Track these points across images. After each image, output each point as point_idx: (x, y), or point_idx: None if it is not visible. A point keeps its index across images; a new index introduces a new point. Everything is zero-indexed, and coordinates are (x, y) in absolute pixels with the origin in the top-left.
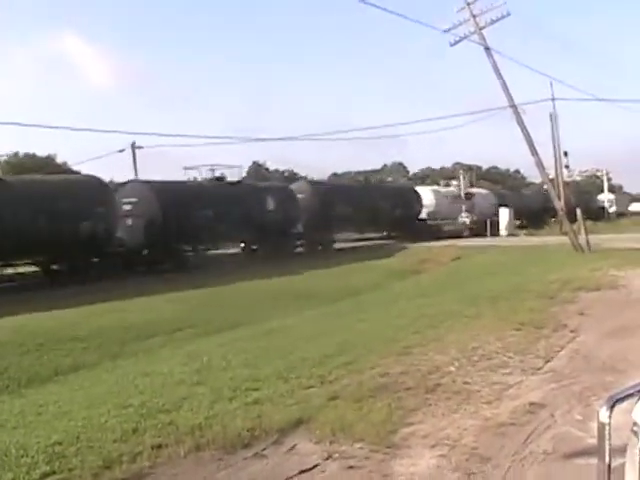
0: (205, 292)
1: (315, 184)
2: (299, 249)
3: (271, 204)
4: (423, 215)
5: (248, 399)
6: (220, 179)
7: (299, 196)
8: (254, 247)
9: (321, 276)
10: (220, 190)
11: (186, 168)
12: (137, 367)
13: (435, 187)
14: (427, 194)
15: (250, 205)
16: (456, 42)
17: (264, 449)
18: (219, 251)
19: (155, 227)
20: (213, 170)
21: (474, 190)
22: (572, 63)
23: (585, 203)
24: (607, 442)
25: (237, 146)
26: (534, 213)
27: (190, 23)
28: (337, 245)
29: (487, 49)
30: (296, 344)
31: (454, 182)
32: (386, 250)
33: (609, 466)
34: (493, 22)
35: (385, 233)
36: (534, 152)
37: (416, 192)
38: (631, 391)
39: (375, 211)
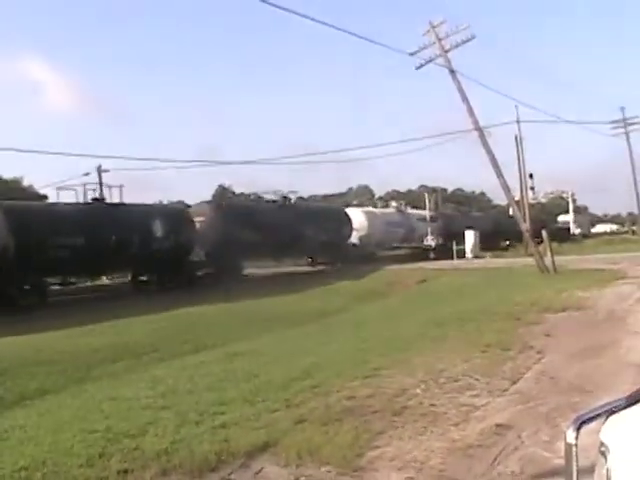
0: None
1: (219, 205)
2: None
3: (159, 229)
4: (354, 239)
5: (214, 423)
6: (97, 200)
7: (197, 219)
8: (143, 278)
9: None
10: (94, 213)
11: (59, 189)
12: (103, 391)
13: (369, 209)
14: (358, 216)
15: (132, 230)
16: (421, 65)
17: (231, 473)
18: (97, 282)
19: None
20: (94, 190)
21: (413, 211)
22: (537, 86)
23: (547, 225)
24: (574, 463)
25: (203, 169)
26: (485, 236)
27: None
28: (255, 273)
29: (452, 72)
30: (261, 367)
31: (393, 203)
32: (303, 282)
33: None
34: (458, 45)
35: (310, 260)
36: (499, 174)
37: (346, 214)
38: (598, 412)
39: (295, 235)
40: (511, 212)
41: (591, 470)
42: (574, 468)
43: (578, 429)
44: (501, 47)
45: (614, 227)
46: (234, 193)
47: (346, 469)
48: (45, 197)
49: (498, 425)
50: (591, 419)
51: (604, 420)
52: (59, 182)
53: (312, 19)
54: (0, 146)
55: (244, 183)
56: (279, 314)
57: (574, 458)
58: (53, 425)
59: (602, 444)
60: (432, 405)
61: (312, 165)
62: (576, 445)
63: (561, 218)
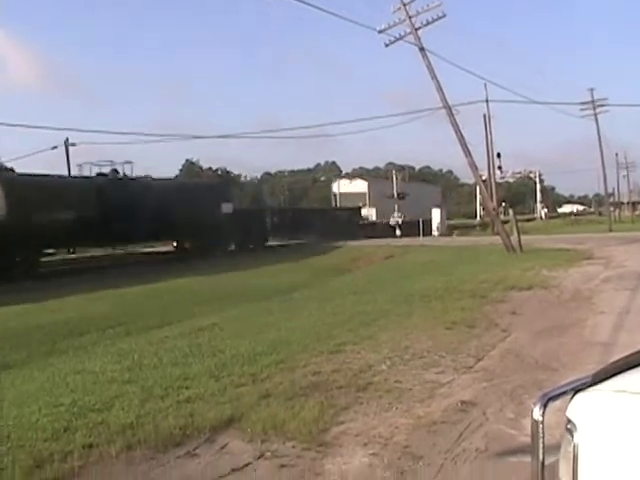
0: None
1: (9, 179)
2: None
3: None
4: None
5: (180, 397)
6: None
7: None
8: None
9: None
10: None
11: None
12: (68, 365)
13: None
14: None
15: None
16: (391, 42)
17: (196, 448)
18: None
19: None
20: None
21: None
22: (506, 66)
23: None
24: (540, 440)
25: (171, 144)
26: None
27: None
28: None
29: (422, 49)
30: (226, 342)
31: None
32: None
33: (542, 464)
34: (429, 23)
35: (175, 245)
36: (467, 153)
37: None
38: (564, 389)
39: (126, 217)
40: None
41: (557, 447)
42: (540, 445)
43: (544, 406)
44: (473, 30)
45: (580, 208)
46: (201, 168)
47: (311, 444)
48: (12, 170)
49: (463, 402)
50: (557, 396)
51: (570, 397)
52: (25, 156)
53: None
54: None
55: (211, 158)
56: (243, 290)
57: (540, 435)
58: (18, 398)
59: (569, 421)
60: (397, 381)
61: (280, 141)
62: (542, 422)
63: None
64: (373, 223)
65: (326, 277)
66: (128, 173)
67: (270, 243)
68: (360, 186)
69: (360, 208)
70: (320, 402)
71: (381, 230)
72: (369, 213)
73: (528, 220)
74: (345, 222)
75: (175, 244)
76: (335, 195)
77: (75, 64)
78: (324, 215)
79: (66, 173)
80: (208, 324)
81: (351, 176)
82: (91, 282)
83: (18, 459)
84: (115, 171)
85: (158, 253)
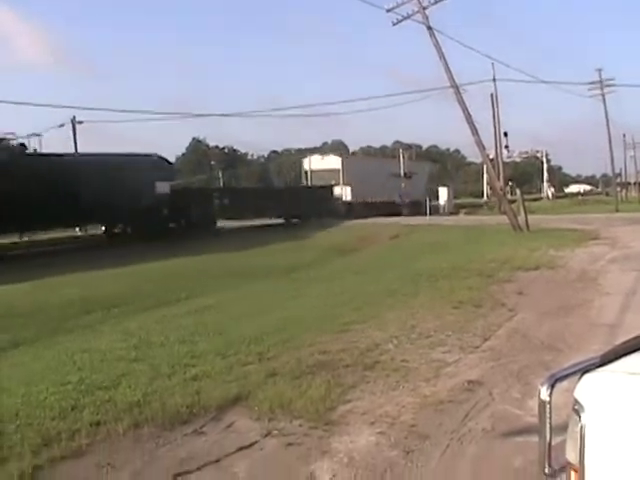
0: None
1: None
2: None
3: None
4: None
5: (186, 375)
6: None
7: None
8: None
9: None
10: None
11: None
12: (76, 343)
13: None
14: None
15: None
16: (398, 21)
17: (203, 426)
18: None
19: None
20: None
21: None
22: (514, 46)
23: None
24: (548, 420)
25: (177, 122)
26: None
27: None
28: None
29: (429, 28)
30: (233, 321)
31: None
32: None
33: (550, 444)
34: (437, 1)
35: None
36: (474, 132)
37: (162, 163)
38: (572, 370)
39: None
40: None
41: (564, 427)
42: (547, 425)
43: (552, 386)
44: (481, 10)
45: (587, 188)
46: (208, 147)
47: (318, 423)
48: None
49: (469, 381)
50: (565, 377)
51: (578, 378)
52: (32, 134)
53: None
54: None
55: (218, 137)
56: (249, 268)
57: (547, 415)
58: (26, 377)
59: (576, 402)
60: (404, 360)
61: (287, 120)
62: (550, 402)
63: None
64: (349, 203)
65: (332, 256)
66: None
67: (228, 226)
68: (333, 162)
69: (332, 187)
70: (327, 381)
71: (382, 209)
72: (343, 192)
73: (535, 200)
74: (314, 202)
75: (104, 229)
76: (306, 172)
77: (80, 41)
78: (289, 194)
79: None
80: (214, 303)
81: (323, 151)
82: None
83: (26, 437)
84: (22, 145)
85: (77, 238)
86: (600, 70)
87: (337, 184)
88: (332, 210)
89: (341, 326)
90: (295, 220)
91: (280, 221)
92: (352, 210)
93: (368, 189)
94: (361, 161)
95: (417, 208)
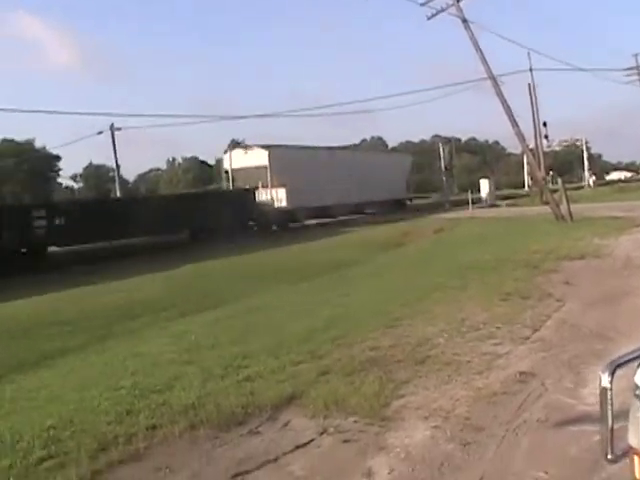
0: None
1: None
2: None
3: None
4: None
5: (239, 376)
6: None
7: None
8: None
9: None
10: None
11: None
12: (126, 348)
13: None
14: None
15: None
16: (433, 15)
17: (258, 426)
18: None
19: None
20: None
21: None
22: (549, 33)
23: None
24: (609, 406)
25: (214, 124)
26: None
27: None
28: None
29: (464, 21)
30: (282, 320)
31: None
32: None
33: (612, 430)
34: None
35: None
36: (514, 123)
37: None
38: (632, 356)
39: None
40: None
41: (625, 414)
42: (609, 411)
43: (612, 373)
44: None
45: (628, 174)
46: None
47: (373, 419)
48: (58, 158)
49: (521, 373)
50: (625, 363)
51: (638, 364)
52: (71, 142)
53: None
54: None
55: (257, 137)
56: (294, 266)
57: (609, 401)
58: (78, 383)
59: (637, 387)
60: (455, 354)
61: (324, 117)
62: (611, 389)
63: None
64: (286, 211)
65: (377, 252)
66: None
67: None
68: (259, 157)
69: (253, 191)
70: (379, 377)
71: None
72: (274, 196)
73: (576, 188)
74: (228, 212)
75: None
76: (227, 172)
77: (113, 48)
78: (189, 203)
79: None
80: (262, 303)
81: (245, 145)
82: None
83: (83, 443)
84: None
85: None
86: (637, 55)
87: (265, 185)
88: (258, 221)
89: (391, 321)
90: (184, 237)
91: (168, 239)
92: (290, 220)
93: (313, 190)
94: (298, 153)
95: (395, 207)
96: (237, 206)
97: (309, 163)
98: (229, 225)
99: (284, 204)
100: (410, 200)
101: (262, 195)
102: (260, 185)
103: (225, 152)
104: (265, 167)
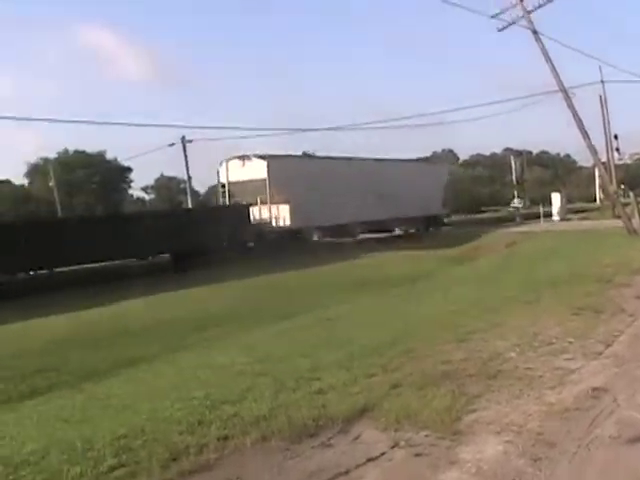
0: None
1: None
2: None
3: None
4: None
5: (311, 388)
6: None
7: None
8: None
9: None
10: None
11: None
12: (197, 359)
13: None
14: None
15: None
16: (504, 27)
17: (330, 438)
18: None
19: None
20: None
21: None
22: (619, 46)
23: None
24: None
25: (283, 137)
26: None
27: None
28: None
29: (535, 33)
30: (354, 332)
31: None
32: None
33: None
34: (541, 6)
35: None
36: (585, 136)
37: None
38: None
39: None
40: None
41: None
42: None
43: None
44: (583, 8)
45: None
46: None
47: (445, 433)
48: (129, 169)
49: (594, 388)
50: None
51: None
52: (142, 154)
53: None
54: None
55: (328, 149)
56: (366, 279)
57: None
58: (150, 393)
59: None
60: (527, 368)
61: (394, 130)
62: None
63: None
64: (297, 231)
65: (449, 265)
66: None
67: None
68: (258, 169)
69: (247, 208)
70: (451, 391)
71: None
72: (275, 214)
73: None
74: (213, 235)
75: None
76: (224, 186)
77: (184, 62)
78: (159, 224)
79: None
80: (334, 315)
81: (243, 155)
82: None
83: (154, 452)
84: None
85: None
86: None
87: (264, 202)
88: (257, 242)
89: (462, 335)
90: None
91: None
92: (295, 242)
93: (324, 206)
94: (304, 163)
95: (428, 224)
96: (226, 226)
97: (319, 175)
98: (216, 248)
99: (288, 223)
100: (448, 216)
101: (261, 213)
102: (259, 201)
103: (220, 164)
104: (264, 180)
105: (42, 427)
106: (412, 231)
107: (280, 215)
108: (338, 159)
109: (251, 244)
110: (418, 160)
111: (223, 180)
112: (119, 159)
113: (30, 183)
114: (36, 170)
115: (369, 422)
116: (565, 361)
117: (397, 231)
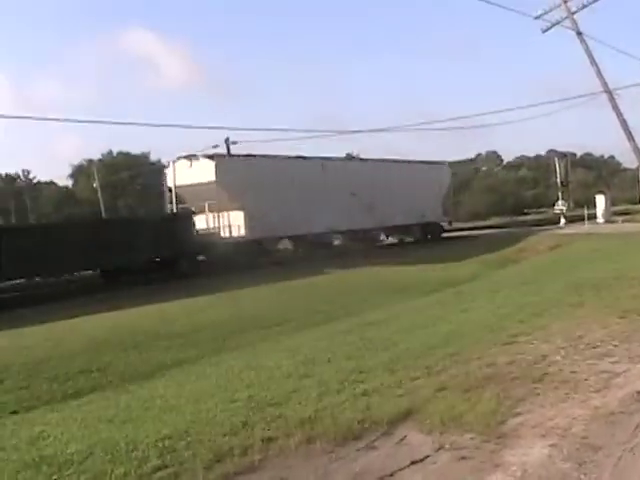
0: None
1: None
2: None
3: None
4: None
5: (356, 391)
6: None
7: None
8: None
9: None
10: None
11: None
12: (241, 361)
13: None
14: None
15: None
16: (548, 28)
17: (374, 440)
18: None
19: None
20: None
21: None
22: None
23: None
24: None
25: (331, 139)
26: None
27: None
28: None
29: (579, 34)
30: (398, 336)
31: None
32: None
33: None
34: (585, 6)
35: None
36: (630, 137)
37: None
38: None
39: None
40: None
41: None
42: None
43: None
44: (628, 8)
45: None
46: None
47: (489, 436)
48: None
49: (639, 392)
50: None
51: None
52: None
53: None
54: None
55: (369, 152)
56: (407, 283)
57: None
58: (193, 394)
59: None
60: (572, 372)
61: (437, 132)
62: None
63: None
64: (256, 242)
65: (493, 268)
66: None
67: None
68: (206, 171)
69: (190, 215)
70: (496, 394)
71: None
72: (224, 223)
73: None
74: (144, 247)
75: None
76: (170, 190)
77: (216, 61)
78: (80, 236)
79: None
80: (377, 319)
81: (190, 155)
82: None
83: (198, 453)
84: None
85: None
86: None
87: (213, 209)
88: (206, 256)
89: (507, 338)
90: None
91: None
92: (251, 256)
93: (291, 214)
94: (262, 164)
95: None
96: (160, 237)
97: (284, 178)
98: (146, 264)
99: (242, 232)
100: (449, 224)
101: (208, 222)
102: (206, 208)
103: (168, 164)
104: (213, 183)
105: (86, 427)
106: (410, 240)
107: (233, 224)
108: (310, 159)
109: (201, 257)
110: (416, 161)
111: (170, 184)
112: (163, 161)
113: (74, 184)
114: (80, 171)
115: (414, 425)
116: (610, 364)
117: (389, 239)
